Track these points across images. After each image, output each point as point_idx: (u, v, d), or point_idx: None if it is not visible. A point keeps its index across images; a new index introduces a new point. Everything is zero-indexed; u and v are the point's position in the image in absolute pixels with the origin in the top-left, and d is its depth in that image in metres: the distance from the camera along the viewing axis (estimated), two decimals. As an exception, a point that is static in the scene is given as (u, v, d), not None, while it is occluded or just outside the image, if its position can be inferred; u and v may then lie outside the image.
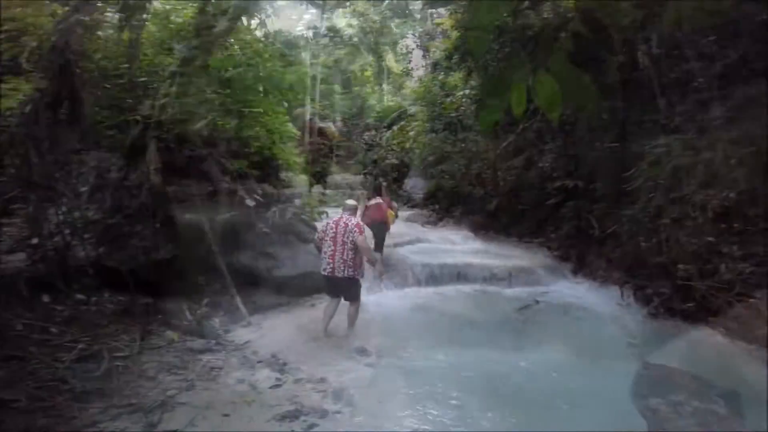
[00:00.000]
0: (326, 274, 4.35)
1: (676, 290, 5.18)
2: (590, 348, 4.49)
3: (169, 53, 5.75)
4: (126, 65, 5.26)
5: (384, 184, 10.55)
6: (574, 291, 6.50)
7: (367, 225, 6.62)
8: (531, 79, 1.19)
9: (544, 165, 9.08)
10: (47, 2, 4.59)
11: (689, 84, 6.08)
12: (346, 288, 4.45)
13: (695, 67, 5.93)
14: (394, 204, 8.48)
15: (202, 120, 5.32)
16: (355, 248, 4.32)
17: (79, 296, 3.63)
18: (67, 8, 4.05)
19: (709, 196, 5.18)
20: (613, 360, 4.16)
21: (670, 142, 5.72)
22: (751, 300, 4.37)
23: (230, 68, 5.71)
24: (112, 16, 3.85)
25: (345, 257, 4.28)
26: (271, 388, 3.29)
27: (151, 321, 4.03)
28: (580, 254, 7.34)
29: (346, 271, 4.29)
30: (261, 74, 6.29)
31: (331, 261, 4.30)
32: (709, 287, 4.79)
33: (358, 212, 5.22)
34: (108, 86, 5.29)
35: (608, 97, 7.02)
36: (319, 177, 16.96)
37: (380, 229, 6.89)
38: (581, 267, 7.19)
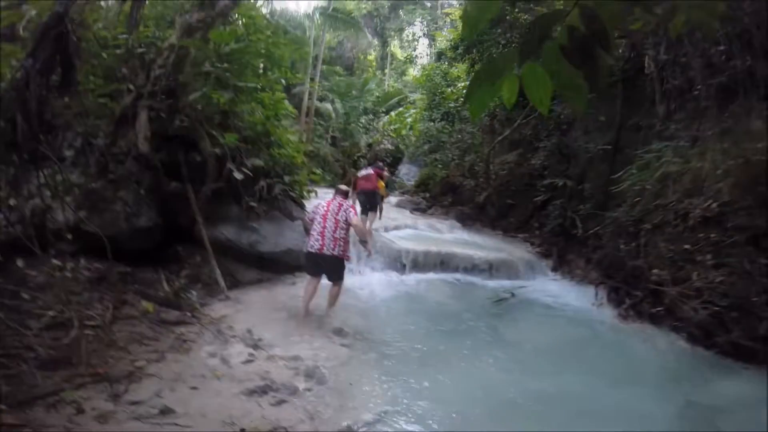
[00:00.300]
0: (313, 251, 4.32)
1: (648, 294, 5.30)
2: (554, 345, 4.60)
3: (171, 26, 5.68)
4: (124, 36, 5.18)
5: (380, 162, 10.88)
6: (551, 287, 6.63)
7: (358, 195, 7.32)
8: (522, 70, 1.18)
9: (536, 162, 9.13)
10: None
11: (690, 92, 6.11)
12: (332, 267, 4.42)
13: (699, 75, 5.93)
14: (386, 173, 8.68)
15: (195, 92, 5.26)
16: (347, 228, 4.38)
17: (55, 262, 3.58)
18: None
19: (691, 205, 5.27)
20: (575, 359, 4.27)
21: (661, 148, 5.77)
22: (717, 308, 4.50)
23: (230, 42, 5.58)
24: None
25: (336, 236, 4.31)
26: (243, 363, 3.30)
27: (126, 290, 4.01)
28: (561, 252, 7.49)
29: (336, 250, 4.31)
30: (262, 50, 6.18)
31: (320, 238, 4.30)
32: (679, 293, 4.90)
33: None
34: (104, 56, 5.21)
35: (602, 98, 7.03)
36: (312, 156, 16.84)
37: (371, 196, 7.31)
38: (561, 265, 7.34)
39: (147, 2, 5.35)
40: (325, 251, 4.29)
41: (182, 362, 3.16)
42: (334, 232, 4.31)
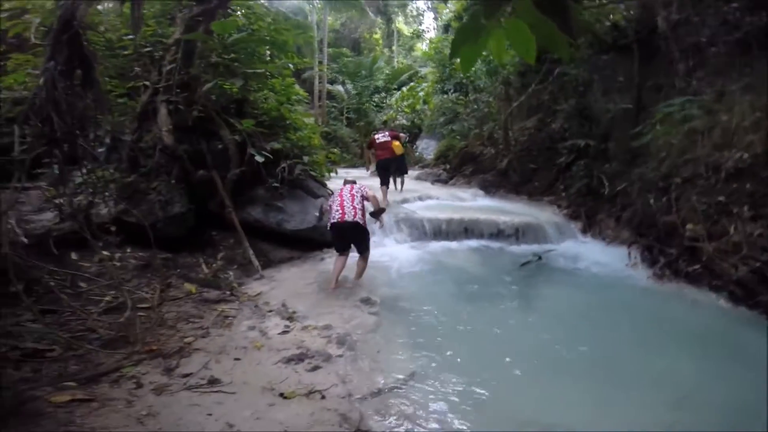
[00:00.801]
0: (335, 221, 4.55)
1: (683, 252, 5.07)
2: (586, 309, 4.46)
3: (172, 22, 5.83)
4: (129, 37, 5.37)
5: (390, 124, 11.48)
6: (581, 249, 6.43)
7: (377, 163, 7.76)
8: (506, 24, 1.20)
9: (557, 126, 8.88)
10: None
11: (709, 49, 5.81)
12: (356, 235, 4.62)
13: (717, 33, 5.64)
14: (402, 134, 8.90)
15: (207, 84, 5.45)
16: (363, 200, 4.70)
17: (105, 253, 3.88)
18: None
19: (723, 157, 5.04)
20: (609, 323, 4.11)
21: (684, 102, 5.51)
22: (758, 264, 4.26)
23: (233, 32, 5.69)
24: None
25: (355, 205, 4.58)
26: (279, 334, 3.52)
27: (170, 275, 4.31)
28: (590, 213, 7.25)
29: (357, 217, 4.54)
30: (266, 38, 6.26)
31: (340, 209, 4.55)
32: (717, 249, 4.68)
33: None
34: (114, 57, 5.45)
35: (618, 59, 6.72)
36: (330, 138, 16.93)
37: (393, 162, 7.70)
38: (590, 226, 7.11)
39: (145, 1, 5.47)
40: (347, 218, 4.50)
41: (225, 336, 3.39)
42: (352, 202, 4.59)
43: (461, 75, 12.29)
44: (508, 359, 3.35)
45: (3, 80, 4.78)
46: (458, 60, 1.33)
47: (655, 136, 5.85)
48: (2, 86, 4.83)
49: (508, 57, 9.81)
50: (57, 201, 3.81)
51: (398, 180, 8.94)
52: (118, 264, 4.08)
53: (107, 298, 3.47)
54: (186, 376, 2.76)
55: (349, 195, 4.67)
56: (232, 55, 5.80)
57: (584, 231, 7.15)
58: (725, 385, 3.04)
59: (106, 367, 2.68)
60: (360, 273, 4.82)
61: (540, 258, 5.82)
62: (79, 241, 3.70)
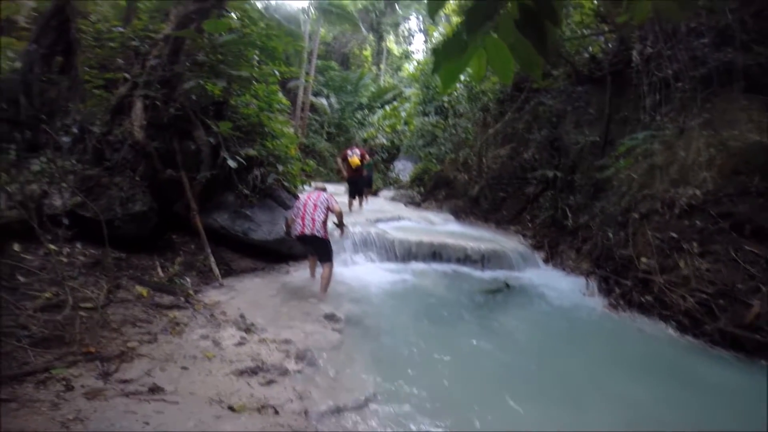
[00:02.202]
0: (297, 233, 4.73)
1: (637, 283, 5.35)
2: (544, 334, 4.65)
3: (165, 18, 5.71)
4: (119, 29, 5.26)
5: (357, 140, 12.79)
6: (542, 278, 6.65)
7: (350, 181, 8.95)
8: (485, 43, 1.23)
9: (528, 155, 9.23)
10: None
11: (675, 84, 6.21)
12: (317, 247, 4.82)
13: (684, 68, 6.05)
14: (367, 157, 9.68)
15: (189, 82, 5.32)
16: (326, 212, 4.80)
17: (51, 246, 3.63)
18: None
19: (678, 194, 5.37)
20: (564, 347, 4.29)
21: (645, 136, 5.86)
22: (704, 296, 4.56)
23: (223, 33, 5.63)
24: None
25: (315, 217, 4.70)
26: (234, 345, 3.34)
27: (121, 275, 4.06)
28: (552, 243, 7.56)
29: (316, 230, 4.67)
30: (257, 42, 6.22)
31: (301, 222, 4.71)
32: (667, 281, 4.97)
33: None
34: (99, 48, 5.28)
35: (592, 91, 7.10)
36: (308, 151, 16.87)
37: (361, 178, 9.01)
38: (552, 256, 7.41)
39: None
40: (306, 231, 4.65)
41: (174, 344, 3.19)
42: (313, 214, 4.71)
43: (443, 98, 12.64)
44: (469, 383, 3.35)
45: None
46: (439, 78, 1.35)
47: (617, 170, 6.15)
48: None
49: (489, 84, 10.17)
50: (8, 187, 3.55)
51: (364, 194, 9.86)
52: (65, 260, 3.81)
53: (47, 295, 3.21)
54: (125, 381, 2.57)
55: (312, 205, 4.76)
56: (219, 56, 5.68)
57: (546, 261, 7.44)
58: (673, 406, 3.26)
59: (32, 367, 2.46)
60: (325, 286, 4.79)
61: (508, 286, 5.95)
62: (25, 231, 3.44)
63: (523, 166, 9.22)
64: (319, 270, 5.05)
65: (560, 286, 6.30)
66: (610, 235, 6.01)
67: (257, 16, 6.87)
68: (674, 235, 5.17)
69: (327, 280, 4.81)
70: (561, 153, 8.34)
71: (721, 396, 3.46)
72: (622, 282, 5.55)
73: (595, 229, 6.57)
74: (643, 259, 5.36)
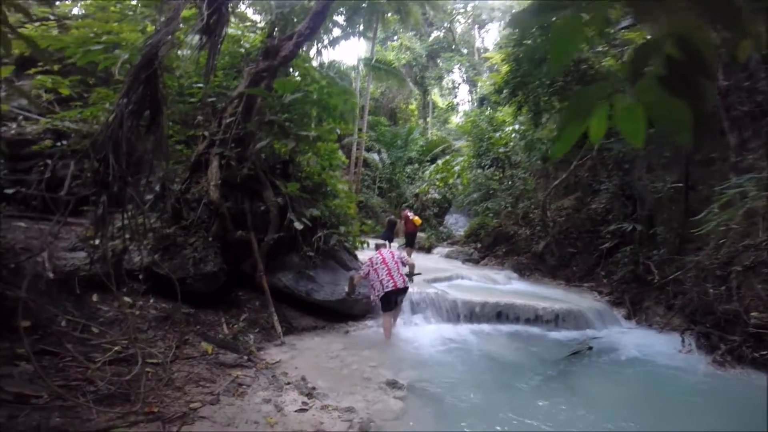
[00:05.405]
0: (390, 289, 5.19)
1: (747, 338, 4.87)
2: (641, 399, 4.07)
3: (238, 75, 6.05)
4: (199, 85, 5.59)
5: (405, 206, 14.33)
6: (627, 337, 5.98)
7: (408, 235, 10.65)
8: (615, 104, 1.13)
9: (598, 206, 8.63)
10: (139, 18, 5.10)
11: (763, 119, 5.64)
12: (404, 294, 5.49)
13: None
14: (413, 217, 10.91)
15: (261, 141, 5.45)
16: (402, 265, 5.42)
17: (127, 299, 3.74)
18: (155, 26, 4.40)
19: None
20: (670, 414, 3.71)
21: (743, 183, 5.25)
22: None
23: (290, 93, 5.75)
24: (191, 38, 4.11)
25: (401, 272, 5.34)
26: (296, 411, 3.14)
27: (189, 331, 4.08)
28: (636, 300, 6.88)
29: (406, 283, 5.37)
30: (318, 100, 6.35)
31: (390, 278, 5.23)
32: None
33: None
34: (181, 103, 5.64)
35: (704, 127, 6.62)
36: (361, 207, 17.18)
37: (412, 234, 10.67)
38: (636, 313, 6.74)
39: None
40: (399, 285, 5.24)
41: (236, 406, 3.05)
42: (398, 269, 5.32)
43: (499, 149, 12.41)
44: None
45: (82, 112, 5.03)
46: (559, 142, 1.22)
47: (713, 222, 5.50)
48: (79, 118, 5.04)
49: (545, 131, 9.82)
50: (92, 242, 3.78)
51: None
52: (137, 312, 3.90)
53: (117, 348, 3.24)
54: (186, 446, 2.41)
55: (393, 263, 5.32)
56: (286, 115, 5.81)
57: (628, 318, 6.82)
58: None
59: (94, 425, 2.37)
60: (397, 314, 5.55)
61: (591, 348, 5.32)
62: (104, 283, 3.57)
63: (593, 218, 8.60)
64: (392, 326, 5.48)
65: (649, 344, 5.70)
66: (710, 290, 5.34)
67: (317, 75, 7.16)
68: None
69: (396, 318, 5.59)
70: (636, 202, 7.70)
71: None
72: (729, 338, 5.02)
73: (688, 284, 5.83)
74: (755, 314, 4.87)
